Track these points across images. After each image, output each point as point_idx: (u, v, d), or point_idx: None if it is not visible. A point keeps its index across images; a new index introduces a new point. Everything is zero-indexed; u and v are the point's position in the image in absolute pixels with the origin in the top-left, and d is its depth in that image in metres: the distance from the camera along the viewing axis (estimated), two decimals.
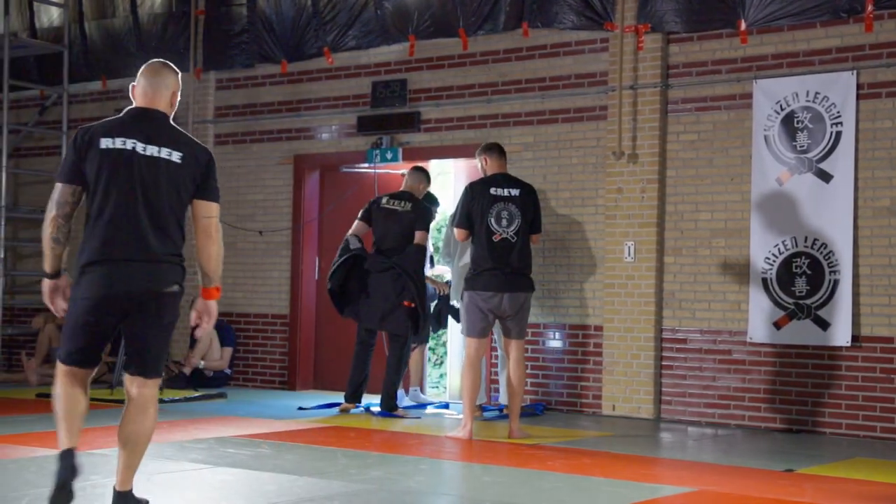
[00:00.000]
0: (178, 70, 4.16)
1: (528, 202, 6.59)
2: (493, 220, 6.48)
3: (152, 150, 3.87)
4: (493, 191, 6.54)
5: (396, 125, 8.99)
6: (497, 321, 6.63)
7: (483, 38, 8.59)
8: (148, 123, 3.95)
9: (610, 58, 8.02)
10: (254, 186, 9.79)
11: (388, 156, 8.96)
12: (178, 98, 4.13)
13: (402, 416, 7.51)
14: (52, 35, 10.85)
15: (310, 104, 9.50)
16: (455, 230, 6.73)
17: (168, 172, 3.87)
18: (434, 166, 9.56)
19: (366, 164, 9.16)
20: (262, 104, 9.77)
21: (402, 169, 9.28)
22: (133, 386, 3.90)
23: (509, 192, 6.54)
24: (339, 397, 8.05)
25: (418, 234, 7.61)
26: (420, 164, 9.17)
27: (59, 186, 3.91)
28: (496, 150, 6.76)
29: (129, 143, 3.86)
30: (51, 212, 3.89)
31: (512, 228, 6.49)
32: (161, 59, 4.18)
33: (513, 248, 6.48)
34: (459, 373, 8.95)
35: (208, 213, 3.94)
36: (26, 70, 10.87)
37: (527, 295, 6.57)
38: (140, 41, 10.12)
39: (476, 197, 6.55)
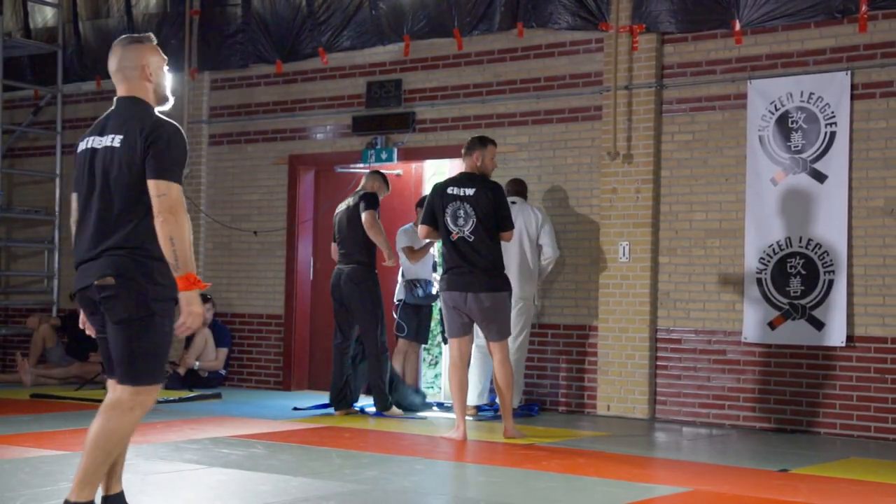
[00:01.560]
0: (142, 37, 3.85)
1: (483, 200, 6.50)
2: (449, 219, 6.51)
3: (103, 141, 3.68)
4: (449, 190, 6.58)
5: (391, 125, 8.99)
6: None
7: (478, 39, 8.59)
8: (110, 113, 3.78)
9: (605, 58, 8.03)
10: (248, 186, 9.78)
11: (383, 156, 8.96)
12: (155, 65, 3.80)
13: (397, 416, 7.49)
14: (47, 35, 10.83)
15: (305, 104, 9.49)
16: (419, 228, 6.81)
17: (113, 160, 3.63)
18: (429, 167, 9.57)
19: (361, 165, 9.15)
20: (256, 104, 9.76)
21: (397, 169, 9.30)
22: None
23: (464, 192, 6.54)
24: None
25: (364, 216, 7.47)
26: (416, 164, 9.21)
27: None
28: (465, 149, 6.72)
29: (89, 141, 3.73)
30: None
31: (468, 227, 6.48)
32: (121, 37, 3.89)
33: (471, 246, 6.47)
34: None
35: (155, 191, 3.57)
36: (20, 70, 10.86)
37: (493, 295, 6.46)
38: None
39: (435, 196, 6.63)
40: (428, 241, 7.70)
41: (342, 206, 7.78)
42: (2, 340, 10.74)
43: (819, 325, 7.17)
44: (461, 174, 6.70)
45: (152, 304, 3.60)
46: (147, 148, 3.59)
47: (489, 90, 8.58)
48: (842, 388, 7.12)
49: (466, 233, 6.49)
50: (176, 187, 3.59)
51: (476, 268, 6.47)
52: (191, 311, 3.59)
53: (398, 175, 9.36)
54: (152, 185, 3.58)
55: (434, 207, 6.61)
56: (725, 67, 7.65)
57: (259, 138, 9.72)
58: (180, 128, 3.73)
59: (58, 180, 10.70)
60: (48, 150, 10.87)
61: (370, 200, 7.58)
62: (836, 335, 7.10)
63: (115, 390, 3.63)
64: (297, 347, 9.48)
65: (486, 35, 8.53)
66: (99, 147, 3.69)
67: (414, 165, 9.37)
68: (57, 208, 10.73)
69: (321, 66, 9.33)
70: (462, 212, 6.50)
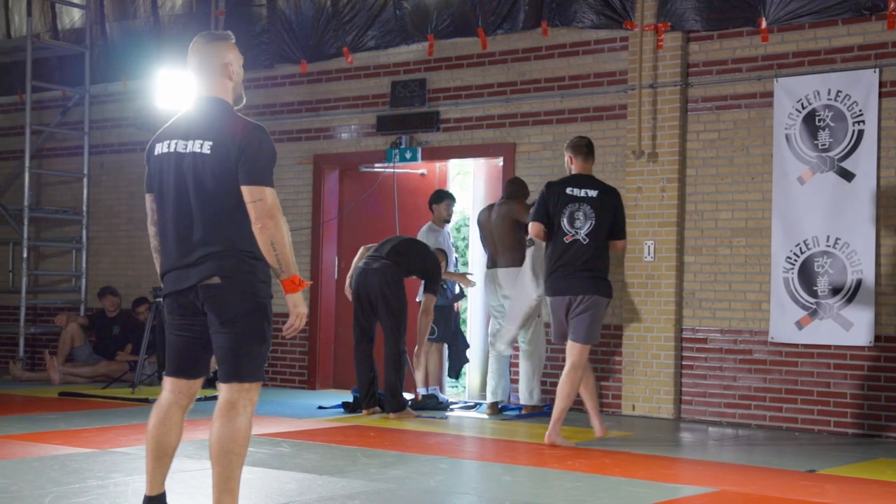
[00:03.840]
0: (222, 34, 3.82)
1: (606, 205, 6.33)
2: (565, 221, 6.29)
3: (189, 146, 3.65)
4: (568, 190, 6.34)
5: (415, 125, 9.00)
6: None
7: (502, 38, 8.59)
8: (192, 116, 3.73)
9: (629, 56, 8.00)
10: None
11: (408, 155, 8.97)
12: (236, 63, 3.78)
13: (410, 416, 7.43)
14: (74, 36, 10.92)
15: (329, 104, 9.52)
16: (529, 225, 6.49)
17: (206, 167, 3.61)
18: (453, 166, 9.58)
19: (385, 164, 9.17)
20: (281, 104, 9.80)
21: (420, 168, 9.31)
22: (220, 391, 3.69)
23: (586, 193, 6.33)
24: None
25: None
26: (440, 163, 9.21)
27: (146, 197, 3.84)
28: (582, 151, 6.47)
29: (172, 145, 3.69)
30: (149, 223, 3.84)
31: (584, 230, 6.27)
32: (200, 34, 3.82)
33: (584, 249, 6.26)
34: (479, 372, 8.97)
35: (249, 197, 3.60)
36: (48, 71, 10.95)
37: (594, 298, 6.26)
38: (161, 42, 10.18)
39: (552, 195, 6.36)
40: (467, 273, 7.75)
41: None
42: (31, 339, 10.83)
43: (847, 324, 7.11)
44: (580, 175, 6.43)
45: (258, 301, 3.67)
46: (239, 154, 3.61)
47: (513, 89, 8.57)
48: (870, 388, 7.06)
49: (582, 236, 6.28)
50: (270, 192, 3.63)
51: (583, 271, 6.26)
52: (298, 313, 3.70)
53: (422, 174, 9.37)
54: (246, 192, 3.61)
55: (549, 206, 6.34)
56: (751, 65, 7.60)
57: (284, 138, 9.76)
58: (265, 129, 3.73)
59: (85, 180, 10.78)
60: (76, 150, 10.96)
61: (433, 281, 7.68)
62: (863, 335, 7.04)
63: (222, 393, 3.64)
64: (322, 346, 9.51)
65: (510, 34, 8.52)
66: (185, 152, 3.66)
67: (438, 165, 9.38)
68: (84, 208, 10.81)
69: (346, 66, 9.36)
70: (580, 214, 6.29)
